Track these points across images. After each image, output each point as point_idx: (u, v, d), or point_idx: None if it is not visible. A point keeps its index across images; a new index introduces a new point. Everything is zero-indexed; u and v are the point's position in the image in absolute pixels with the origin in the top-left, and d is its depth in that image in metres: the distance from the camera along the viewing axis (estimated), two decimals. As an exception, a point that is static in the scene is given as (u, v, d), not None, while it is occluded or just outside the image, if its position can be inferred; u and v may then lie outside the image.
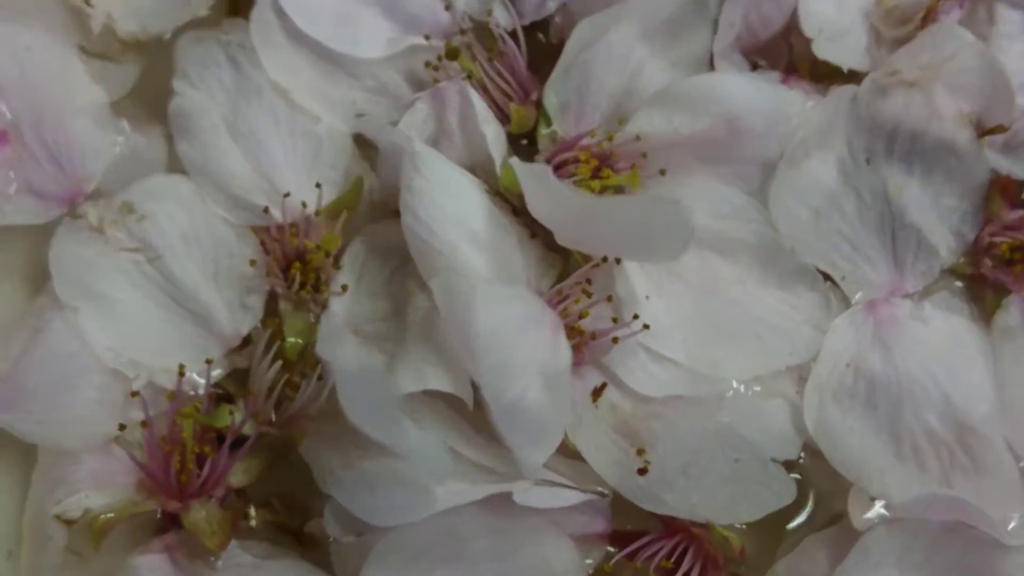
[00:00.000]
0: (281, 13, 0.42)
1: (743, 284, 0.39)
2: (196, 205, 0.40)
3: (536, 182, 0.36)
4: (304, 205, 0.40)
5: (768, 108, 0.40)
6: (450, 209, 0.37)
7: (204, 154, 0.41)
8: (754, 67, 0.43)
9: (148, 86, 0.43)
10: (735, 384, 0.38)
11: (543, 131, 0.41)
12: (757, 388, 0.39)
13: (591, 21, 0.40)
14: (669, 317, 0.39)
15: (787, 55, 0.43)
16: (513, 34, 0.42)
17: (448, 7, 0.43)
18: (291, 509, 0.38)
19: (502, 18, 0.43)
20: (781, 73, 0.42)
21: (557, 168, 0.40)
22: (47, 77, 0.41)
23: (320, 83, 0.42)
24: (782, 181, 0.40)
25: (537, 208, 0.38)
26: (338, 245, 0.40)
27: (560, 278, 0.39)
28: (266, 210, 0.40)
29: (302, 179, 0.41)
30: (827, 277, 0.40)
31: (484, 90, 0.41)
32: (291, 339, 0.39)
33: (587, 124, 0.41)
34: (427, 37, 0.42)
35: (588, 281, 0.38)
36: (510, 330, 0.35)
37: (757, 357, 0.39)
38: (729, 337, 0.39)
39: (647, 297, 0.39)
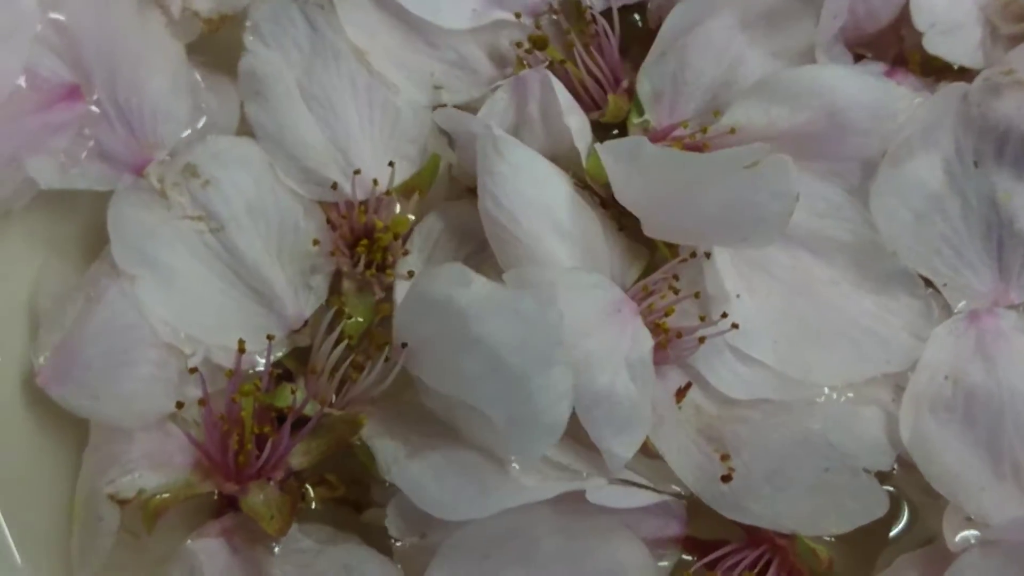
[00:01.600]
0: None
1: (838, 286, 0.38)
2: (264, 173, 0.39)
3: (629, 155, 0.35)
4: (375, 183, 0.39)
5: (873, 103, 0.38)
6: (533, 196, 0.35)
7: (275, 119, 0.39)
8: (858, 59, 0.41)
9: (221, 41, 0.41)
10: (827, 390, 0.37)
11: (634, 120, 0.40)
12: (850, 394, 0.37)
13: (688, 5, 0.38)
14: (760, 317, 0.37)
15: (896, 47, 0.41)
16: (607, 15, 0.40)
17: (539, -17, 0.41)
18: (349, 484, 0.37)
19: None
20: (886, 66, 0.41)
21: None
22: (125, 31, 0.40)
23: (398, 49, 0.41)
24: (884, 180, 0.38)
25: (626, 191, 0.36)
26: (407, 227, 0.38)
27: (646, 271, 0.38)
28: (334, 186, 0.39)
29: (378, 152, 0.39)
30: (928, 283, 0.38)
31: (575, 77, 0.40)
32: (353, 319, 0.38)
33: (680, 114, 0.40)
34: (517, 15, 0.41)
35: (675, 277, 0.36)
36: (593, 319, 0.34)
37: (851, 363, 0.37)
38: (822, 340, 0.37)
39: (737, 296, 0.37)
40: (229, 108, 0.40)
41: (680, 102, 0.40)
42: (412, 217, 0.39)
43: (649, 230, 0.37)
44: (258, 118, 0.39)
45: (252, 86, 0.40)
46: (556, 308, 0.32)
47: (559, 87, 0.38)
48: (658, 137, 0.39)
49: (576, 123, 0.38)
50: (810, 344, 0.37)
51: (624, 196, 0.36)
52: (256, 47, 0.40)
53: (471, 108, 0.41)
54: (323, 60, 0.40)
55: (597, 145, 0.36)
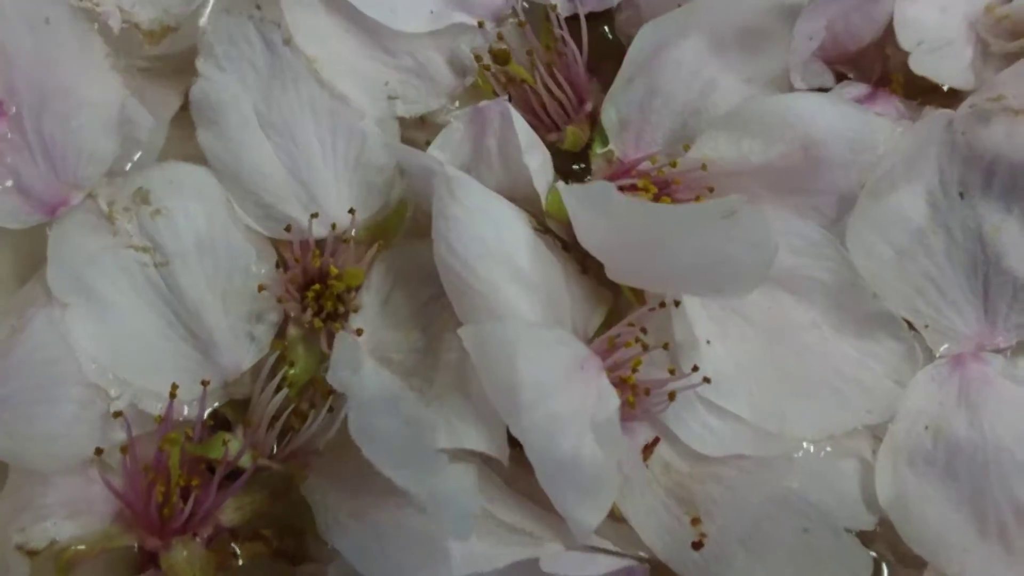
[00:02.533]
0: None
1: (817, 329, 0.35)
2: (219, 208, 0.37)
3: (594, 202, 0.32)
4: (334, 227, 0.36)
5: (851, 135, 0.35)
6: (491, 242, 0.33)
7: (231, 150, 0.37)
8: (840, 78, 0.39)
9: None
10: (805, 444, 0.35)
11: (597, 150, 0.37)
12: (828, 448, 0.35)
13: (655, 25, 0.35)
14: (732, 365, 0.35)
15: (881, 65, 0.39)
16: (574, 24, 0.37)
17: (503, -12, 0.38)
18: (284, 536, 0.35)
19: (563, 5, 0.38)
20: (869, 87, 0.38)
21: (612, 193, 0.36)
22: (61, 58, 0.37)
23: (351, 56, 0.38)
24: (863, 214, 0.36)
25: (589, 236, 0.34)
26: (361, 280, 0.36)
27: (610, 315, 0.35)
28: (288, 227, 0.36)
29: (342, 183, 0.37)
30: (910, 325, 0.36)
31: (534, 96, 0.37)
32: (294, 370, 0.36)
33: (647, 145, 0.37)
34: (480, 24, 0.38)
35: (644, 330, 0.34)
36: (556, 379, 0.31)
37: (831, 414, 0.35)
38: (800, 389, 0.35)
39: (708, 341, 0.35)
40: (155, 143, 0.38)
41: (647, 131, 0.37)
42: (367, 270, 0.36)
43: (613, 275, 0.34)
44: (213, 148, 0.37)
45: (205, 112, 0.37)
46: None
47: (519, 121, 0.35)
48: (623, 170, 0.37)
49: (536, 162, 0.35)
50: (787, 394, 0.35)
51: (587, 241, 0.34)
52: (209, 71, 0.37)
53: (427, 120, 0.38)
54: (281, 83, 0.37)
55: (560, 187, 0.33)
